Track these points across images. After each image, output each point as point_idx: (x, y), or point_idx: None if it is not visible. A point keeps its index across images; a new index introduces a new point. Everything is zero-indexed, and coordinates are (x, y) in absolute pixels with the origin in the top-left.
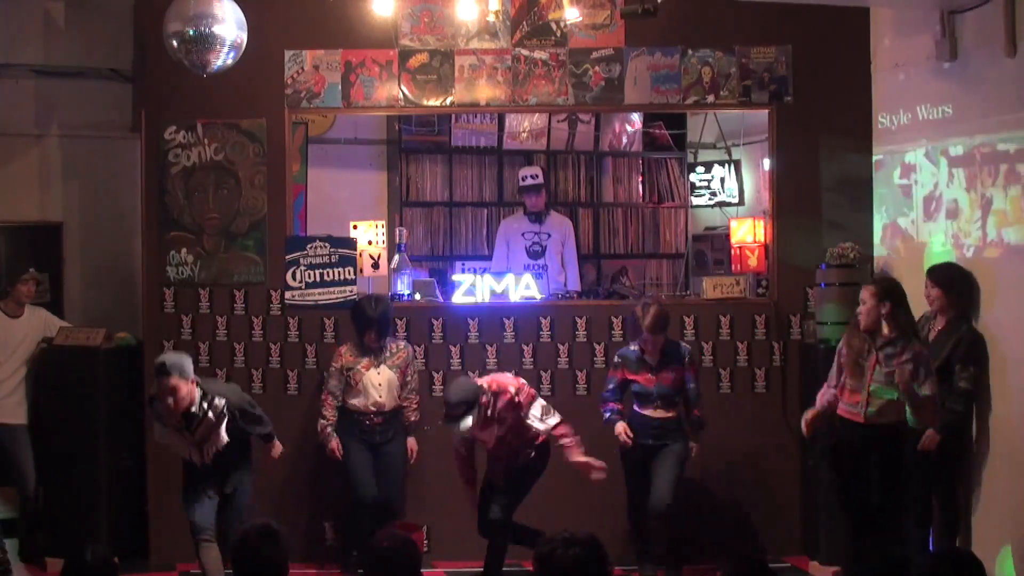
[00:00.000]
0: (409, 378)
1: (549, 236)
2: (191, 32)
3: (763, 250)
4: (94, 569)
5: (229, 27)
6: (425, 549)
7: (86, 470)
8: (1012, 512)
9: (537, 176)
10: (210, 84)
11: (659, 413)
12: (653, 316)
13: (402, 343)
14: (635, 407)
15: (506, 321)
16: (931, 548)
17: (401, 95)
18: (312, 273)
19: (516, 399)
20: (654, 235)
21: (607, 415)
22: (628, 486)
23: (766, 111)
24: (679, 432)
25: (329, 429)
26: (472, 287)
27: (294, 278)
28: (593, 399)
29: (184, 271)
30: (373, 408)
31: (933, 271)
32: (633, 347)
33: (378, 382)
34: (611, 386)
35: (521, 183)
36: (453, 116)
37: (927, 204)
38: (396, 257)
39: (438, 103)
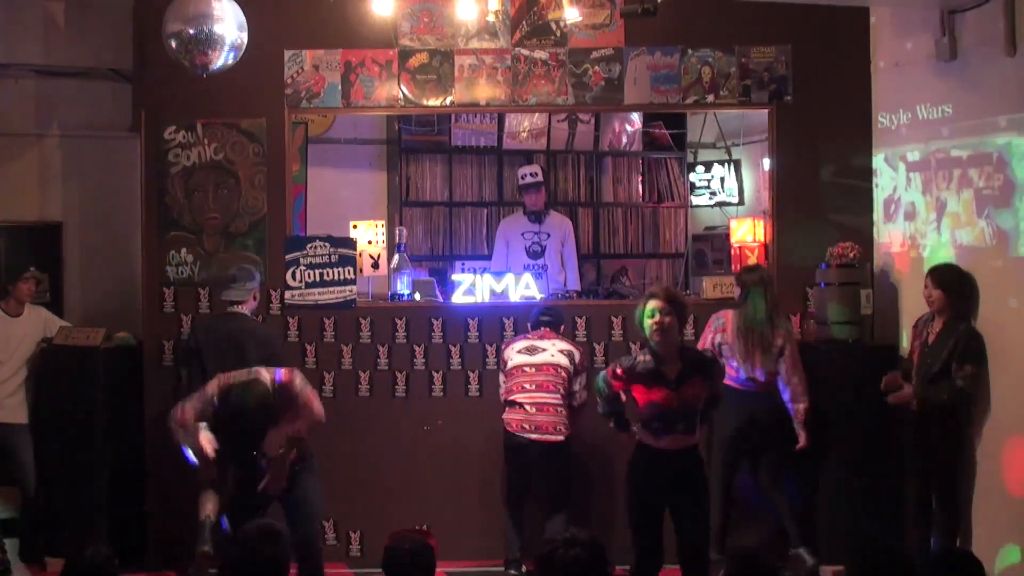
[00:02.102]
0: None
1: (548, 236)
2: (191, 32)
3: (763, 250)
4: (94, 569)
5: (229, 27)
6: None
7: (86, 470)
8: (1012, 512)
9: (536, 174)
10: (210, 84)
11: (680, 442)
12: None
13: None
14: (646, 440)
15: (506, 321)
16: (931, 548)
17: (401, 95)
18: (312, 273)
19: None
20: (654, 235)
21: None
22: (638, 544)
23: (766, 111)
24: (701, 466)
25: None
26: (472, 287)
27: (294, 278)
28: (593, 399)
29: (184, 271)
30: None
31: (934, 272)
32: (642, 356)
33: None
34: (606, 405)
35: (520, 181)
36: (453, 116)
37: (887, 206)
38: (396, 257)
39: (438, 103)
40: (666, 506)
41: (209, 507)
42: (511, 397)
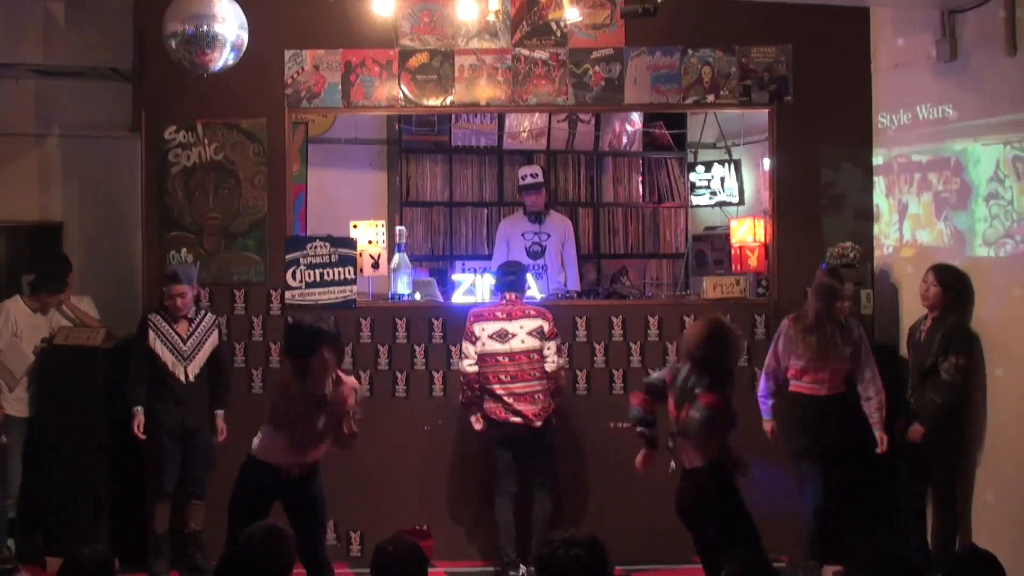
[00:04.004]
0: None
1: (549, 236)
2: (191, 32)
3: (763, 250)
4: (93, 569)
5: (229, 27)
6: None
7: (86, 470)
8: (1012, 511)
9: (537, 175)
10: (210, 84)
11: (691, 460)
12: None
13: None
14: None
15: None
16: (929, 546)
17: (401, 95)
18: (312, 273)
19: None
20: (654, 235)
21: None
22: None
23: (766, 111)
24: (713, 488)
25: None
26: (472, 287)
27: (294, 278)
28: (593, 399)
29: None
30: None
31: (937, 269)
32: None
33: None
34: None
35: (521, 182)
36: (453, 116)
37: None
38: (396, 257)
39: (438, 103)
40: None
41: (162, 520)
42: (488, 387)
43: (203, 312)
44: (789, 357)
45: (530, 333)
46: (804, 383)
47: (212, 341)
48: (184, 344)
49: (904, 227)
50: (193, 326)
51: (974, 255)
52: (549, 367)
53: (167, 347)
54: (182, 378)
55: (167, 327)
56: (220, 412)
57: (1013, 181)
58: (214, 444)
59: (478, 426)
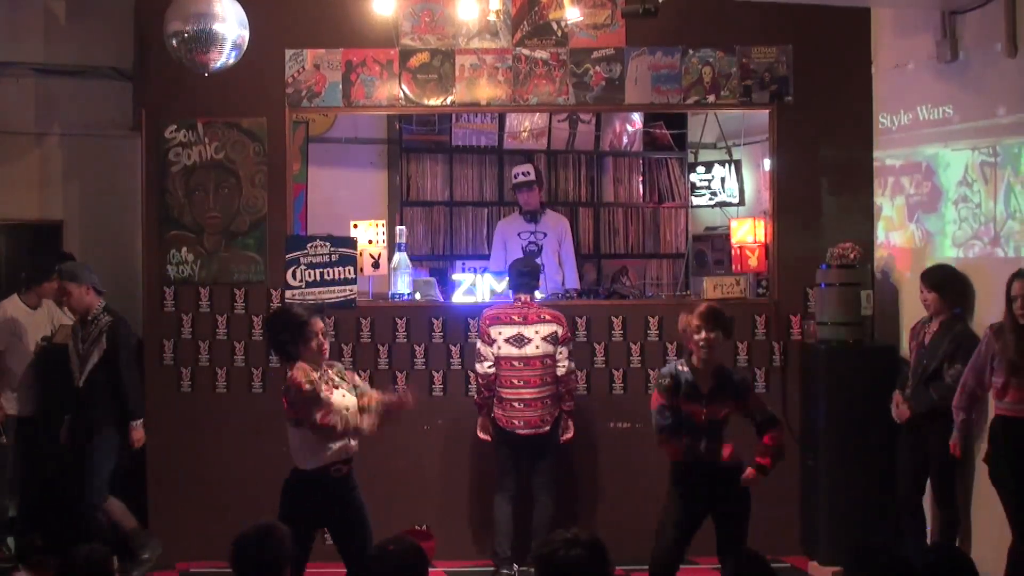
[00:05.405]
0: None
1: (545, 235)
2: (192, 31)
3: (763, 250)
4: (91, 567)
5: (230, 26)
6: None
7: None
8: None
9: (529, 173)
10: (211, 83)
11: (713, 455)
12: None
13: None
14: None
15: None
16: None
17: (402, 94)
18: (312, 272)
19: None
20: (654, 235)
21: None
22: (665, 534)
23: (767, 111)
24: (737, 476)
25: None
26: (472, 287)
27: (294, 277)
28: (593, 399)
29: (184, 270)
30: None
31: (926, 275)
32: (682, 366)
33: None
34: (667, 415)
35: (513, 180)
36: (454, 116)
37: None
38: (396, 256)
39: (439, 102)
40: (707, 514)
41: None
42: (500, 392)
43: (100, 318)
44: (990, 372)
45: (545, 338)
46: (1005, 404)
47: (100, 348)
48: (81, 347)
49: (878, 229)
50: (87, 331)
51: (944, 256)
52: (560, 371)
53: (73, 348)
54: (76, 383)
55: (79, 327)
56: (133, 423)
57: (981, 185)
58: (94, 453)
59: (484, 436)
